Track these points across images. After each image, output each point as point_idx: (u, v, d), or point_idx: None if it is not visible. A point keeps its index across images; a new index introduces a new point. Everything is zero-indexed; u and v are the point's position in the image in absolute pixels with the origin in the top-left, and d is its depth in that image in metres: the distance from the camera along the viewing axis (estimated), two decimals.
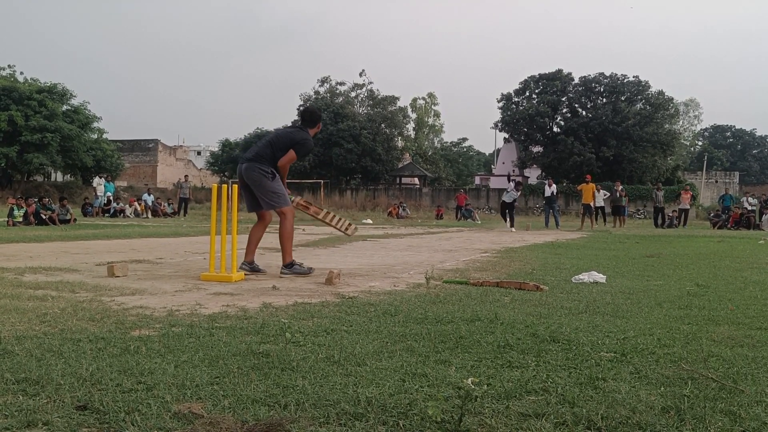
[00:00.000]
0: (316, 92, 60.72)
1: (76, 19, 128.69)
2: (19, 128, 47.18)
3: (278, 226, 7.79)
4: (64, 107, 52.83)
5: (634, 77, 54.82)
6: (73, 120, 52.26)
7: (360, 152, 55.37)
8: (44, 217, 20.60)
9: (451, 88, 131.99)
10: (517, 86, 57.45)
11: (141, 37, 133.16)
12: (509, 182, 26.99)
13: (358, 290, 6.47)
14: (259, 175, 7.70)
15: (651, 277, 8.14)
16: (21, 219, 20.02)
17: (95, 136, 55.62)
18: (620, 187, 29.00)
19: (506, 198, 25.46)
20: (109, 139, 58.59)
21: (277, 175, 7.77)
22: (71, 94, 53.93)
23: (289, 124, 9.23)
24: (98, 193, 30.56)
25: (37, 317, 4.67)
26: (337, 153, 54.54)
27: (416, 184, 58.09)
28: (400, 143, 63.85)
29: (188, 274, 7.59)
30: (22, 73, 57.46)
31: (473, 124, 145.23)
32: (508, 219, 25.27)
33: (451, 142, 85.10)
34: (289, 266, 7.66)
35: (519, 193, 26.68)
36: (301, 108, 9.09)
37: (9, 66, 57.78)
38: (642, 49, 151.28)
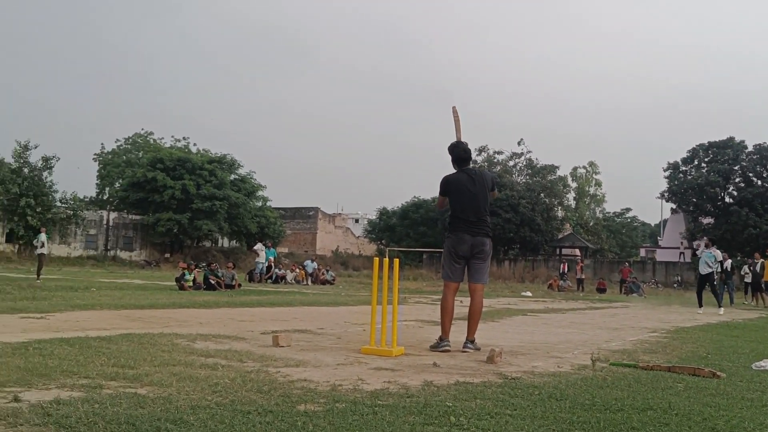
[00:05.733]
0: (474, 161, 60.99)
1: (242, 96, 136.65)
2: (191, 196, 50.19)
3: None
4: (232, 176, 55.94)
5: None
6: (240, 188, 55.17)
7: (518, 222, 54.83)
8: (213, 282, 21.52)
9: (613, 156, 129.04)
10: (684, 155, 55.36)
11: (300, 114, 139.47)
12: (705, 247, 21.70)
13: (520, 370, 6.29)
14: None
15: None
16: (191, 283, 21.03)
17: (260, 204, 58.37)
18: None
19: (702, 269, 20.40)
20: (273, 206, 61.23)
21: None
22: (239, 164, 57.29)
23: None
24: (259, 259, 31.65)
25: (209, 386, 4.82)
26: (495, 223, 54.25)
27: (577, 256, 56.69)
28: (560, 213, 62.76)
29: (349, 347, 7.65)
30: (195, 144, 61.66)
31: (637, 193, 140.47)
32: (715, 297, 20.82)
33: (613, 212, 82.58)
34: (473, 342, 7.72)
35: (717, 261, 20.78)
36: (455, 147, 8.71)
37: (184, 138, 62.23)
38: None
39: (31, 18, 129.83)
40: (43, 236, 24.94)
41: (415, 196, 62.39)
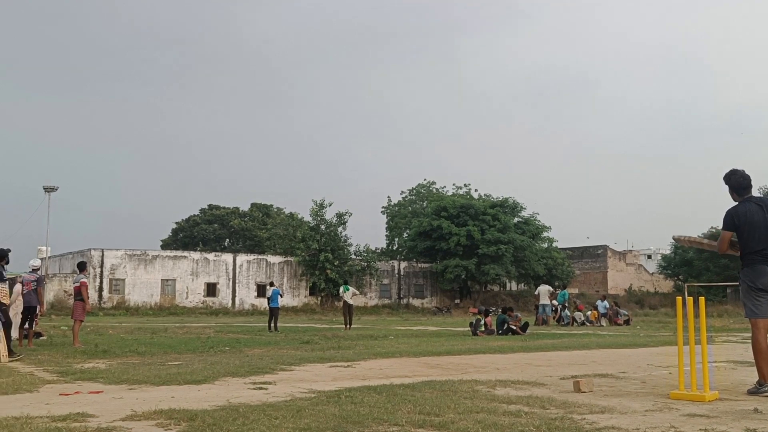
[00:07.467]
0: None
1: (519, 137, 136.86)
2: (476, 242, 51.10)
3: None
4: (515, 219, 56.20)
5: None
6: (524, 231, 55.27)
7: None
8: (513, 327, 21.44)
9: None
10: None
11: (582, 150, 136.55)
12: None
13: None
14: None
15: None
16: (484, 328, 21.21)
17: (545, 245, 57.93)
18: None
19: None
20: (559, 247, 60.47)
21: None
22: (521, 206, 57.41)
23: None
24: (541, 301, 31.19)
25: None
26: None
27: None
28: None
29: (655, 391, 7.25)
30: (476, 190, 62.83)
31: None
32: None
33: None
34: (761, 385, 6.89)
35: None
36: (732, 174, 7.82)
37: (465, 185, 63.60)
38: None
39: (320, 88, 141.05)
40: (350, 288, 26.42)
41: (712, 227, 58.18)
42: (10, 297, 13.30)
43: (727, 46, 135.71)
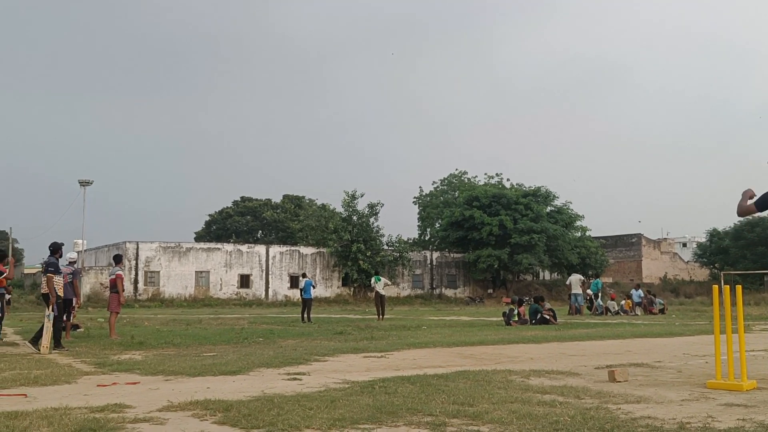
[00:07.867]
0: None
1: (550, 125, 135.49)
2: (508, 231, 50.79)
3: None
4: (548, 208, 55.72)
5: None
6: (557, 220, 54.82)
7: None
8: (547, 317, 21.31)
9: None
10: None
11: (616, 138, 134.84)
12: None
13: None
14: None
15: None
16: (517, 318, 21.10)
17: (578, 234, 57.46)
18: None
19: None
20: (592, 236, 59.96)
21: None
22: (554, 195, 56.90)
23: None
24: (573, 291, 30.80)
25: (549, 424, 4.77)
26: None
27: None
28: None
29: (692, 381, 7.18)
30: (508, 179, 62.39)
31: None
32: None
33: None
34: None
35: None
36: None
37: (497, 174, 63.22)
38: None
39: (351, 79, 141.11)
40: (382, 279, 26.36)
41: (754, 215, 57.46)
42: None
43: None
